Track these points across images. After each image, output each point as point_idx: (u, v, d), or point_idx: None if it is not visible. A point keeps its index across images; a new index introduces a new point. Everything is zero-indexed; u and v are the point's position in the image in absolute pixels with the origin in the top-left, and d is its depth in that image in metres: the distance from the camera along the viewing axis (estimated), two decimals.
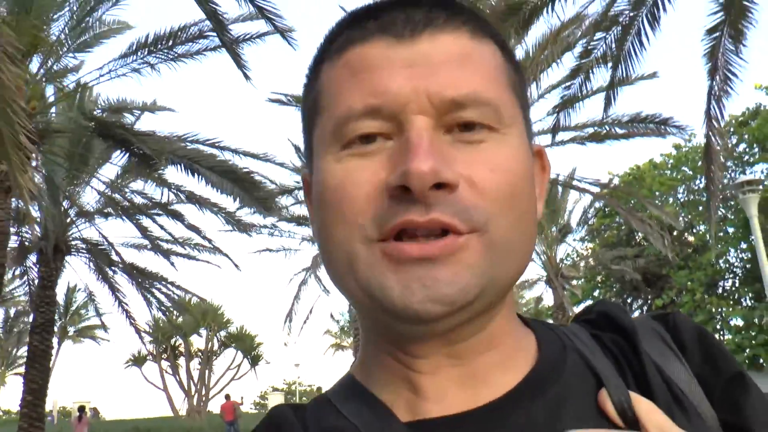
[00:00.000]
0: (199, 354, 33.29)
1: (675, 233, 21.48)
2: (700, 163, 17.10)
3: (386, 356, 0.59)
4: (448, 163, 0.50)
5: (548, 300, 27.26)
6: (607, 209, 22.89)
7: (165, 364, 33.45)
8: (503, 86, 0.57)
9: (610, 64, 8.81)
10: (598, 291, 24.86)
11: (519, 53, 9.85)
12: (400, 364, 0.58)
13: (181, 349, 32.44)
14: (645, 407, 0.52)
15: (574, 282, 23.39)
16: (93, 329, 37.69)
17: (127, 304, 14.93)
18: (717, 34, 8.01)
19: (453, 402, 0.56)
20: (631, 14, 8.27)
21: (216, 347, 33.52)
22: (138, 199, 14.24)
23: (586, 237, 24.94)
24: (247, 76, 8.63)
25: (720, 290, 22.15)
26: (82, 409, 18.98)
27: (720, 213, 20.29)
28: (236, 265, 15.33)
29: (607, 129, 12.43)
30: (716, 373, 0.59)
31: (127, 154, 10.83)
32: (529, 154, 0.58)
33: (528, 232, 0.56)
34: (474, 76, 0.54)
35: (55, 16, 10.49)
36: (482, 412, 0.55)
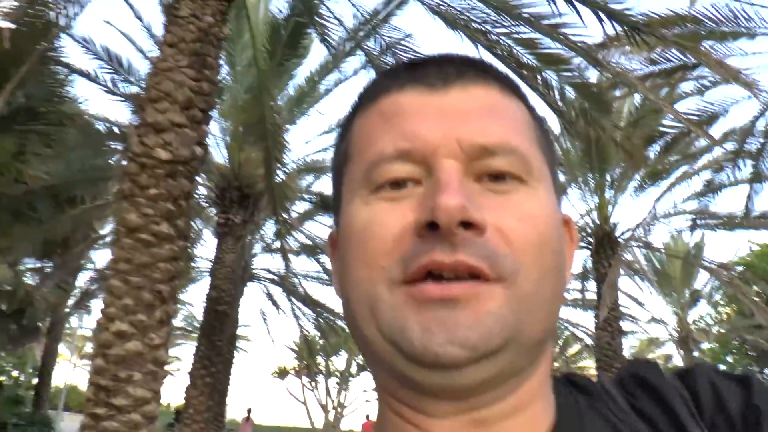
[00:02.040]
0: (337, 374, 36.13)
1: None
2: None
3: (399, 419, 0.54)
4: (475, 204, 0.49)
5: (677, 360, 27.53)
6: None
7: (305, 379, 36.59)
8: (532, 141, 0.56)
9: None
10: (731, 357, 24.94)
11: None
12: (415, 427, 0.53)
13: (321, 367, 35.28)
14: None
15: (706, 345, 23.76)
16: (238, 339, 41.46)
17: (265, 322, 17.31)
18: None
19: None
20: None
21: (354, 369, 36.04)
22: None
23: (722, 301, 25.12)
24: None
25: None
26: (249, 411, 21.72)
27: None
28: None
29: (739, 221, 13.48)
30: (727, 417, 0.53)
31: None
32: (558, 212, 0.56)
33: (556, 289, 0.53)
34: (504, 127, 0.54)
35: None
36: None
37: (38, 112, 8.19)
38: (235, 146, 11.26)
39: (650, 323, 24.41)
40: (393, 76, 0.58)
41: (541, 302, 0.51)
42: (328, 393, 35.55)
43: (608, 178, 12.92)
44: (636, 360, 0.61)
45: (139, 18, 10.28)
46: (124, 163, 9.21)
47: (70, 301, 21.47)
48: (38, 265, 19.62)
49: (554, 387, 0.58)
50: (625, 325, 14.77)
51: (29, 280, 19.79)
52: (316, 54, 54.13)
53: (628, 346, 28.32)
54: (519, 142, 0.54)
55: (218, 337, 11.32)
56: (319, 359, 33.95)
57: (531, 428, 0.53)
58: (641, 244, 11.93)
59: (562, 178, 13.89)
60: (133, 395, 4.42)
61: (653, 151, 11.00)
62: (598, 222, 13.28)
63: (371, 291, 0.51)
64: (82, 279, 20.63)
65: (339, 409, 35.53)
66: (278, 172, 9.57)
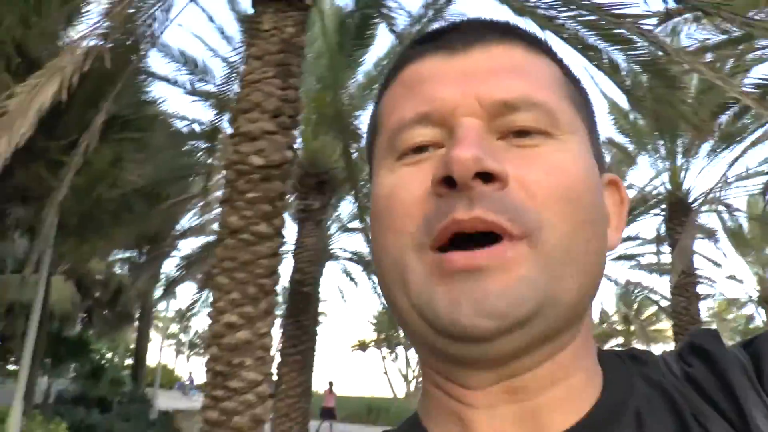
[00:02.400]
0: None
1: None
2: None
3: (438, 390, 0.54)
4: (496, 157, 0.47)
5: (759, 321, 26.90)
6: None
7: (385, 351, 37.66)
8: (559, 95, 0.54)
9: None
10: None
11: None
12: (452, 398, 0.52)
13: (401, 339, 36.19)
14: None
15: None
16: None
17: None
18: None
19: None
20: None
21: None
22: None
23: None
24: None
25: None
26: (331, 383, 22.59)
27: None
28: None
29: None
30: None
31: None
32: (594, 166, 0.53)
33: (593, 245, 0.50)
34: (527, 82, 0.52)
35: None
36: None
37: (129, 120, 8.84)
38: (310, 135, 11.73)
39: (729, 280, 24.00)
40: (416, 46, 0.57)
41: (573, 258, 0.48)
42: (408, 363, 36.55)
43: (679, 144, 12.85)
44: (695, 329, 0.57)
45: (211, 19, 10.79)
46: (210, 161, 9.82)
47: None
48: (126, 255, 20.86)
49: (606, 360, 0.55)
50: (702, 288, 14.69)
51: (119, 269, 21.07)
52: (382, 39, 54.05)
53: (706, 308, 27.90)
54: (544, 96, 0.52)
55: (304, 317, 11.94)
56: (398, 332, 34.83)
57: (571, 400, 0.51)
58: (716, 208, 11.83)
59: (630, 147, 13.92)
60: (246, 378, 4.95)
61: (727, 115, 10.89)
62: (670, 188, 13.25)
63: (400, 259, 0.49)
64: (168, 266, 21.77)
65: (419, 379, 36.58)
66: (354, 155, 10.00)
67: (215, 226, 10.83)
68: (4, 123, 5.75)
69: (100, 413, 16.48)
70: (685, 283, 12.07)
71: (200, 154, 10.94)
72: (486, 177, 0.47)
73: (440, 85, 0.52)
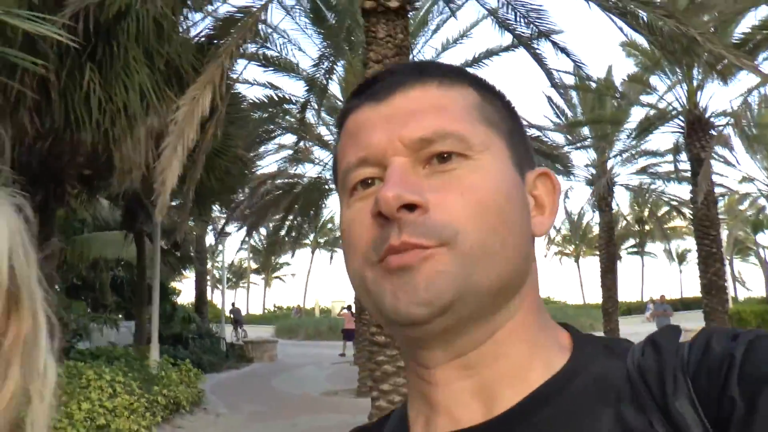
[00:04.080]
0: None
1: None
2: None
3: (411, 373, 0.65)
4: (415, 189, 0.58)
5: None
6: None
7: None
8: (472, 120, 0.63)
9: None
10: None
11: None
12: (419, 378, 0.64)
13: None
14: None
15: None
16: (337, 240, 44.89)
17: None
18: None
19: (464, 416, 0.60)
20: None
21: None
22: None
23: None
24: None
25: None
26: (349, 307, 24.55)
27: None
28: None
29: None
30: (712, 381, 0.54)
31: None
32: (511, 175, 0.63)
33: (509, 241, 0.60)
34: (438, 117, 0.61)
35: None
36: (482, 428, 0.58)
37: (236, 98, 10.39)
38: None
39: (742, 183, 25.73)
40: (353, 99, 0.68)
41: (487, 255, 0.58)
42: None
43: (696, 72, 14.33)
44: (666, 326, 0.62)
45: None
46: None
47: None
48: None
49: (579, 343, 0.63)
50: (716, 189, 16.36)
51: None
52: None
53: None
54: (455, 126, 0.61)
55: None
56: None
57: (519, 376, 0.60)
58: (732, 121, 13.35)
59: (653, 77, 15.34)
60: None
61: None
62: (686, 106, 14.78)
63: (360, 274, 0.61)
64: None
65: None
66: None
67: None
68: (177, 131, 7.36)
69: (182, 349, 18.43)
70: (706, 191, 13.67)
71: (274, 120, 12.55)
72: (411, 207, 0.57)
73: (371, 132, 0.63)
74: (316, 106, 13.27)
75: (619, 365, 0.59)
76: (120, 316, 20.80)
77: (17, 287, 0.75)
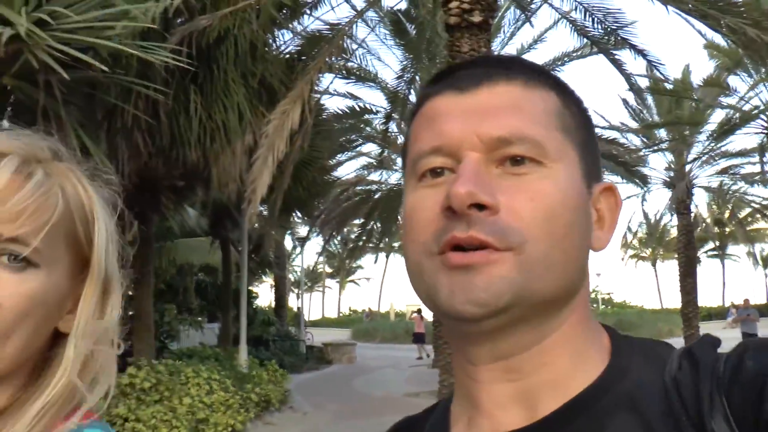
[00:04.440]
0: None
1: None
2: None
3: (458, 369, 0.67)
4: (488, 190, 0.58)
5: None
6: None
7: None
8: (551, 127, 0.62)
9: None
10: None
11: None
12: (465, 374, 0.65)
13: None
14: None
15: None
16: None
17: None
18: None
19: (505, 419, 0.61)
20: None
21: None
22: None
23: None
24: None
25: None
26: (419, 311, 24.79)
27: None
28: None
29: None
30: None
31: None
32: (579, 187, 0.63)
33: (570, 254, 0.60)
34: (519, 119, 0.61)
35: None
36: None
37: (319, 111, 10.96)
38: None
39: None
40: (436, 83, 0.68)
41: (550, 266, 0.59)
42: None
43: None
44: (704, 336, 0.62)
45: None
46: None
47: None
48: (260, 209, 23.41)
49: (622, 350, 0.63)
50: None
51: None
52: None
53: None
54: (533, 131, 0.61)
55: None
56: None
57: (560, 384, 0.61)
58: None
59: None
60: None
61: None
62: None
63: (417, 261, 0.62)
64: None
65: None
66: None
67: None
68: (267, 143, 7.87)
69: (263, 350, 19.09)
70: None
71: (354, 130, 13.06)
72: (481, 206, 0.58)
73: (449, 122, 0.62)
74: (398, 117, 13.72)
75: (656, 374, 0.60)
76: (201, 318, 21.68)
77: (110, 276, 0.82)
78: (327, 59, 8.68)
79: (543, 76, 0.67)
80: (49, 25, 4.59)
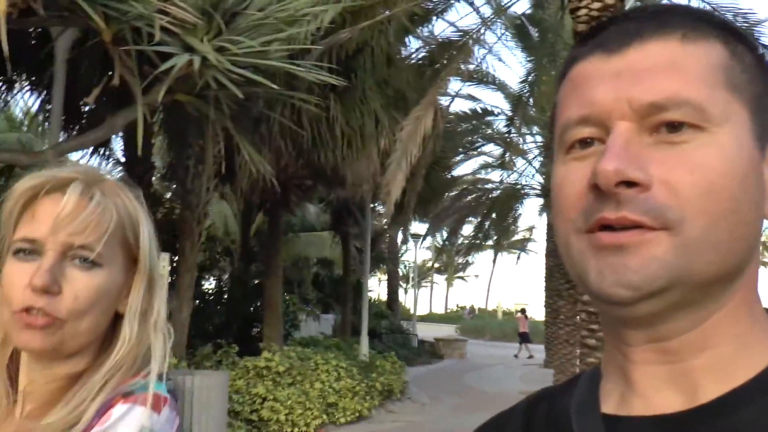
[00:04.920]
0: None
1: None
2: None
3: (610, 346, 0.62)
4: (639, 164, 0.53)
5: None
6: None
7: None
8: (714, 84, 0.55)
9: None
10: None
11: None
12: (619, 353, 0.60)
13: None
14: None
15: None
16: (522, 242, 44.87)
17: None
18: None
19: (661, 402, 0.57)
20: None
21: None
22: None
23: None
24: None
25: None
26: (523, 310, 24.74)
27: None
28: None
29: None
30: None
31: None
32: (749, 151, 0.56)
33: (737, 232, 0.54)
34: (675, 80, 0.55)
35: None
36: (682, 417, 0.55)
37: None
38: None
39: None
40: (583, 44, 0.62)
41: (711, 246, 0.53)
42: None
43: None
44: None
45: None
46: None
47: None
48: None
49: None
50: None
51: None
52: None
53: None
54: (692, 93, 0.54)
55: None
56: None
57: (722, 369, 0.56)
58: None
59: None
60: None
61: None
62: None
63: (565, 239, 0.58)
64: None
65: None
66: None
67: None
68: (401, 148, 8.36)
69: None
70: None
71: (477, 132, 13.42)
72: (631, 183, 0.53)
73: (597, 88, 0.57)
74: (520, 120, 14.01)
75: None
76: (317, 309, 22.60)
77: (153, 268, 1.00)
78: (459, 66, 9.08)
79: (706, 24, 0.59)
80: (227, 50, 5.25)
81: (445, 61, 9.37)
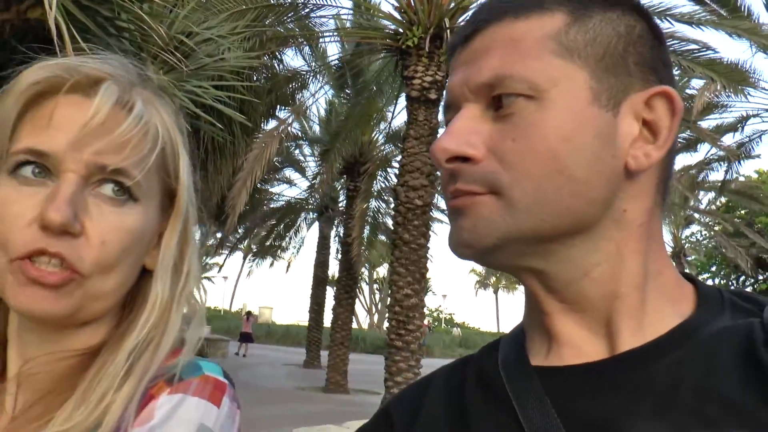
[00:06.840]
0: (378, 282, 42.69)
1: None
2: None
3: (527, 304, 0.66)
4: (468, 140, 0.58)
5: None
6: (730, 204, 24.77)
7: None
8: (544, 53, 0.58)
9: None
10: (714, 266, 28.30)
11: None
12: (535, 306, 0.63)
13: (365, 276, 41.04)
14: None
15: (692, 257, 27.03)
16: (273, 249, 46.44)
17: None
18: None
19: (586, 350, 0.59)
20: None
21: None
22: None
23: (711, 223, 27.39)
24: None
25: None
26: (249, 313, 25.75)
27: None
28: None
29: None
30: None
31: None
32: (584, 110, 0.57)
33: (567, 188, 0.56)
34: (503, 56, 0.58)
35: None
36: (609, 363, 0.57)
37: None
38: None
39: None
40: (456, 36, 0.66)
41: (538, 206, 0.56)
42: (372, 300, 42.03)
43: None
44: None
45: None
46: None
47: None
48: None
49: (707, 296, 0.61)
50: None
51: None
52: None
53: None
54: (516, 66, 0.57)
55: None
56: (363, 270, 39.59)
57: (636, 317, 0.59)
58: None
59: None
60: (416, 324, 9.08)
61: None
62: None
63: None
64: None
65: (383, 312, 42.29)
66: None
67: None
68: (248, 167, 9.44)
69: None
70: None
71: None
72: (464, 159, 0.59)
73: (452, 77, 0.63)
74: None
75: (749, 321, 0.56)
76: None
77: (190, 213, 0.75)
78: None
79: (538, 2, 0.60)
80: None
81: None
